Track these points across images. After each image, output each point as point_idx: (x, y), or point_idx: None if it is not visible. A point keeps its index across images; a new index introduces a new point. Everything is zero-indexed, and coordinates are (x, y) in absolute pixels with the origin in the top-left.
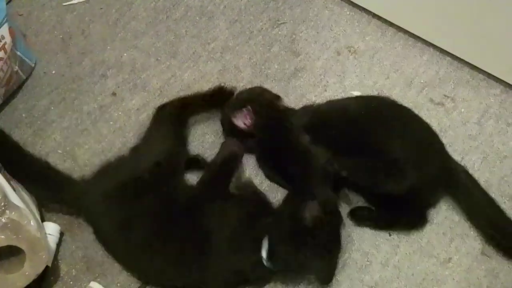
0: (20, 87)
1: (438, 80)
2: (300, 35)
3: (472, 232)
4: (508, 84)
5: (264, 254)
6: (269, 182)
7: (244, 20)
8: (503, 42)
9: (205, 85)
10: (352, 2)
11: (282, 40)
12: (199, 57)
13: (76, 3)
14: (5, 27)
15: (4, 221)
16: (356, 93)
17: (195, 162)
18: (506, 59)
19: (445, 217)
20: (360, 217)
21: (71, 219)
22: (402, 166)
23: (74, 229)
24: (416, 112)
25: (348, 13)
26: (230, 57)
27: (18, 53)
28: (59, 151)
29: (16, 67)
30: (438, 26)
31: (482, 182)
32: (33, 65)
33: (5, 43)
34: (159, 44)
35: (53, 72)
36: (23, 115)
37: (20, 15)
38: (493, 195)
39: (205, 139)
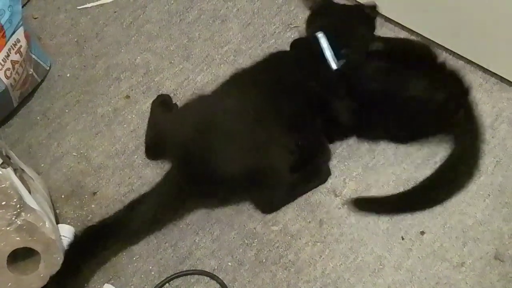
0: (35, 89)
1: None
2: None
3: (485, 236)
4: None
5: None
6: None
7: (257, 23)
8: None
9: None
10: None
11: None
12: (212, 60)
13: (90, 7)
14: (21, 30)
15: (19, 223)
16: None
17: None
18: None
19: (458, 220)
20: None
21: (85, 221)
22: None
23: None
24: None
25: None
26: (243, 60)
27: (33, 56)
28: (74, 154)
29: (31, 70)
30: (451, 30)
31: (496, 186)
32: (48, 68)
33: (21, 46)
34: (172, 47)
35: (68, 75)
36: (38, 117)
37: (35, 18)
38: (506, 200)
39: None
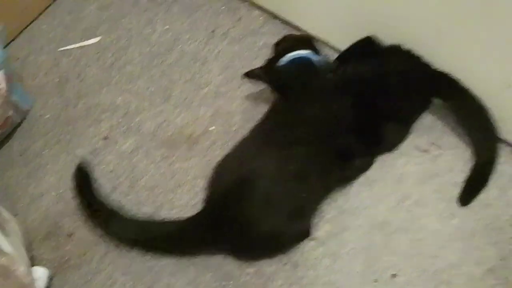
0: (15, 129)
1: (424, 128)
2: None
3: (457, 280)
4: None
5: None
6: None
7: (237, 65)
8: (489, 91)
9: (197, 129)
10: None
11: None
12: (192, 101)
13: (72, 48)
14: (1, 74)
15: None
16: None
17: None
18: (491, 108)
19: (430, 263)
20: None
21: (61, 263)
22: None
23: (64, 271)
24: (402, 159)
25: None
26: (222, 102)
27: (14, 98)
28: (52, 194)
29: (11, 111)
30: None
31: (468, 229)
32: (29, 108)
33: (1, 89)
34: (153, 88)
35: (49, 115)
36: (18, 156)
37: (18, 58)
38: (478, 243)
39: (196, 183)
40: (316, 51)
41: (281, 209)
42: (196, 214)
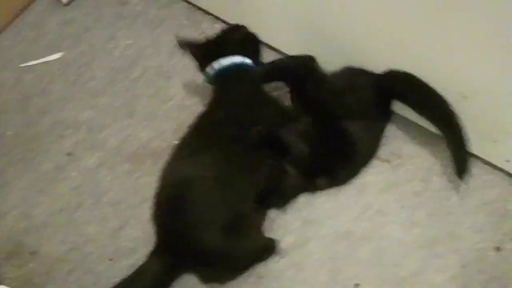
0: None
1: (385, 138)
2: None
3: None
4: None
5: None
6: None
7: (200, 79)
8: None
9: (161, 144)
10: None
11: None
12: (155, 116)
13: (35, 64)
14: None
15: None
16: None
17: None
18: None
19: (392, 272)
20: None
21: (25, 281)
22: None
23: None
24: (364, 168)
25: None
26: (186, 115)
27: None
28: (16, 212)
29: None
30: None
31: (429, 237)
32: None
33: None
34: (116, 104)
35: (11, 132)
36: None
37: None
38: (439, 251)
39: None
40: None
41: (217, 220)
42: (150, 253)
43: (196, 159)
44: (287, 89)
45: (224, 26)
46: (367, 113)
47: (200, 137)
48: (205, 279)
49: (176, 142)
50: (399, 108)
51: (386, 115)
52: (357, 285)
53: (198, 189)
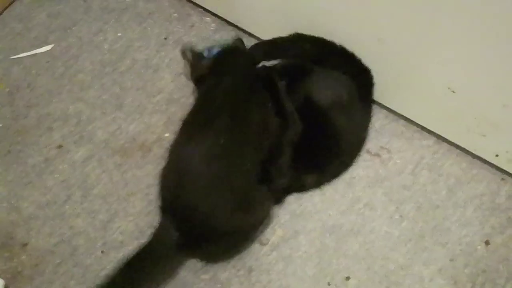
0: None
1: (374, 132)
2: None
3: (406, 280)
4: (440, 136)
5: None
6: None
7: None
8: (434, 96)
9: (150, 137)
10: None
11: None
12: (144, 109)
13: (23, 56)
14: None
15: None
16: None
17: None
18: (437, 112)
19: (381, 265)
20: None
21: (15, 273)
22: None
23: (18, 282)
24: (354, 163)
25: None
26: (175, 109)
27: None
28: (4, 204)
29: None
30: (377, 83)
31: (416, 231)
32: None
33: None
34: (105, 97)
35: None
36: None
37: None
38: (426, 244)
39: (150, 190)
40: None
41: (225, 196)
42: (154, 231)
43: (201, 136)
44: None
45: (213, 19)
46: None
47: (204, 112)
48: (207, 258)
49: (166, 135)
50: (388, 102)
51: (367, 104)
52: (347, 278)
53: (204, 164)
